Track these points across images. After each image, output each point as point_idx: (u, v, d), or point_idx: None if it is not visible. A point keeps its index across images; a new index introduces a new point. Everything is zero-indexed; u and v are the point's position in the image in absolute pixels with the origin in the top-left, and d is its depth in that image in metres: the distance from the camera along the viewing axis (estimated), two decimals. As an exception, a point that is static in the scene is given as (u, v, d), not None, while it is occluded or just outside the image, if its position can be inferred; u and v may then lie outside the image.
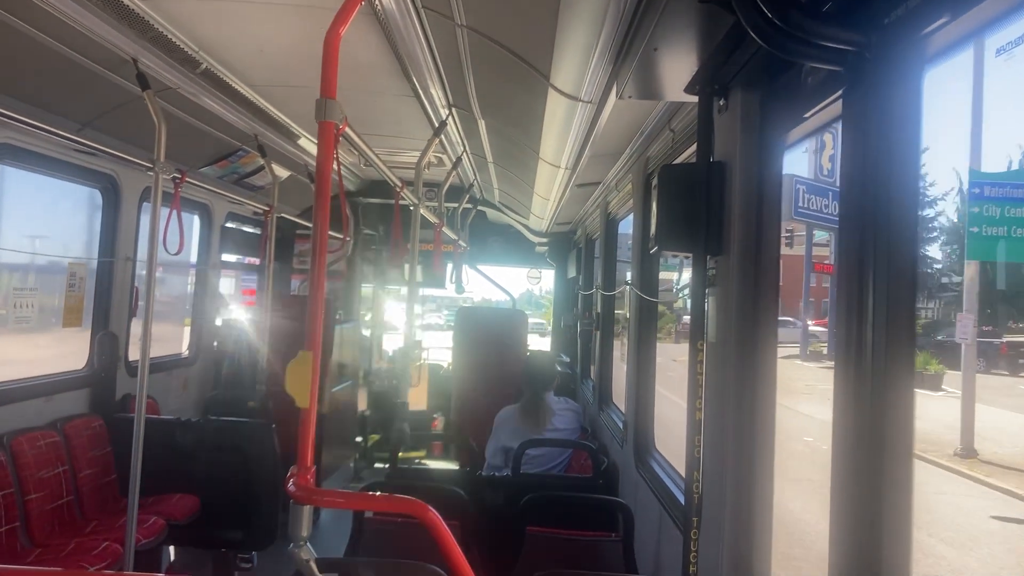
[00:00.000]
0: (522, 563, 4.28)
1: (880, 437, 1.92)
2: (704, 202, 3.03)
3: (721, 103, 3.08)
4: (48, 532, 5.54)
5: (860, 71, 2.02)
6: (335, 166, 2.54)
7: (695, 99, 3.16)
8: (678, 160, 4.21)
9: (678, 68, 3.02)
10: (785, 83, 2.65)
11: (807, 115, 2.52)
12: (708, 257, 3.11)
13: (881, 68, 1.95)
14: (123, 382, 6.93)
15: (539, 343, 17.33)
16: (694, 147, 3.24)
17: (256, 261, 10.05)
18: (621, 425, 6.01)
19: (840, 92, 2.16)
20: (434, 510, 2.37)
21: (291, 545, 2.40)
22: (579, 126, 4.13)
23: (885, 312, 1.93)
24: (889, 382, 1.91)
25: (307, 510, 2.41)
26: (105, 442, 6.44)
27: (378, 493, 4.04)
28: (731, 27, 2.52)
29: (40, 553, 5.22)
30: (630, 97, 3.33)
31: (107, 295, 6.78)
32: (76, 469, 6.03)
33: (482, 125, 6.03)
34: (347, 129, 2.82)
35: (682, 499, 3.67)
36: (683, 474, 3.27)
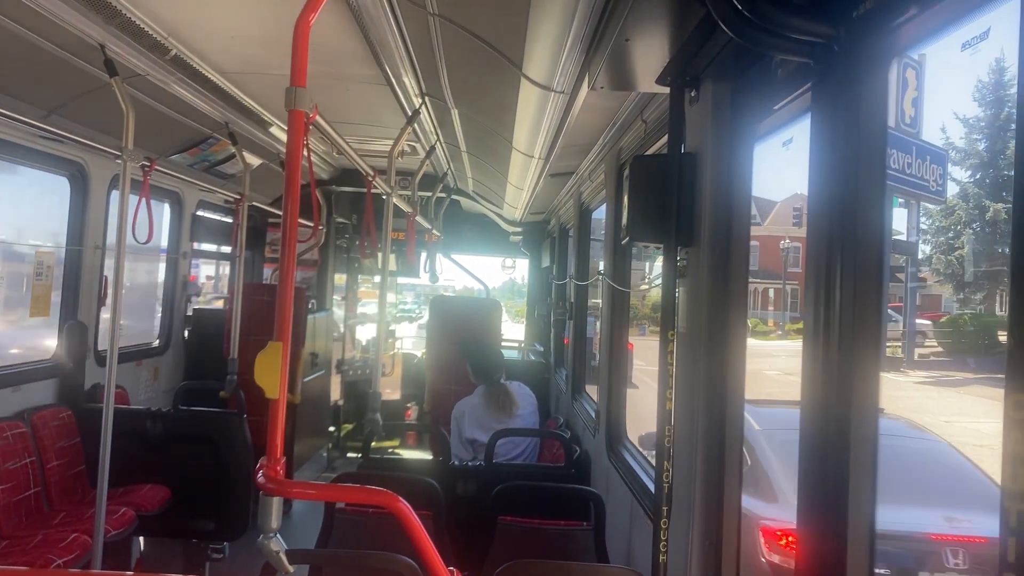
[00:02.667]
0: (494, 553, 4.29)
1: (846, 417, 1.94)
2: (675, 193, 3.05)
3: (692, 94, 3.08)
4: (15, 524, 5.47)
5: (829, 63, 2.03)
6: (305, 153, 2.52)
7: (667, 90, 3.17)
8: (650, 151, 4.22)
9: (650, 59, 3.02)
10: (756, 75, 2.67)
11: (777, 107, 2.54)
12: (679, 248, 3.12)
13: (850, 60, 1.96)
14: (92, 372, 6.85)
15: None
16: (666, 138, 3.25)
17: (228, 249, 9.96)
18: (594, 414, 6.03)
19: (809, 84, 2.18)
20: (405, 501, 2.37)
21: (260, 537, 2.39)
22: (552, 116, 4.12)
23: (852, 301, 1.95)
24: (856, 371, 1.94)
25: (277, 501, 2.40)
26: (74, 433, 6.37)
27: (349, 484, 4.04)
28: (702, 18, 2.53)
29: (7, 545, 5.16)
30: (602, 88, 3.33)
31: (76, 284, 6.69)
32: (44, 460, 5.96)
33: (455, 114, 6.00)
34: (317, 117, 2.79)
35: (653, 488, 3.70)
36: (654, 463, 3.29)
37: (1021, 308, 1.15)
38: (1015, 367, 1.14)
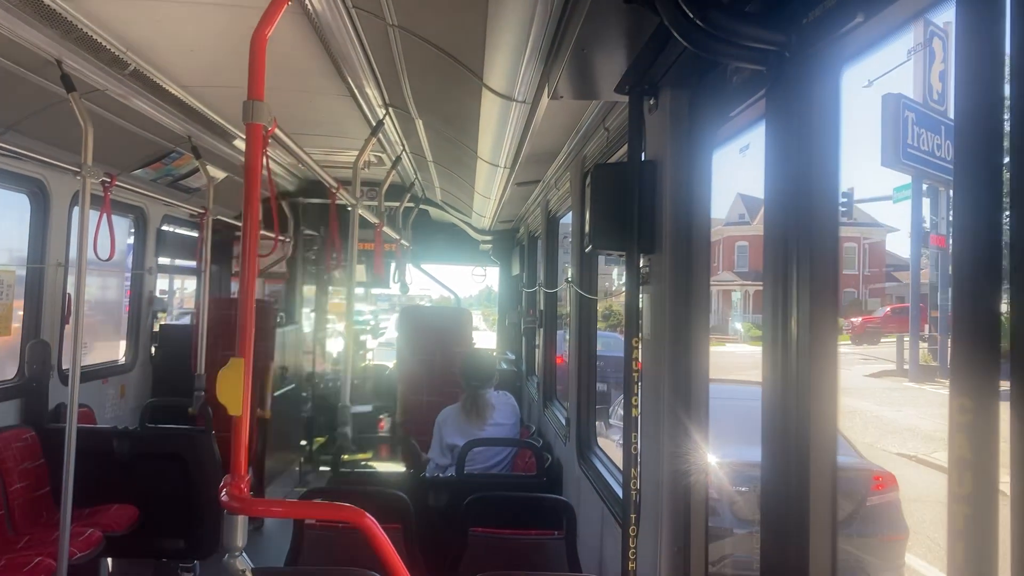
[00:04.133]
0: (465, 565, 4.27)
1: (806, 411, 1.96)
2: (636, 201, 3.06)
3: (651, 102, 3.10)
4: (-22, 548, 5.37)
5: (781, 70, 2.05)
6: (265, 162, 2.51)
7: (627, 98, 3.18)
8: (613, 158, 4.24)
9: (608, 68, 3.04)
10: (712, 82, 2.69)
11: (733, 114, 2.56)
12: (641, 255, 3.13)
13: (801, 67, 1.98)
14: (56, 391, 6.74)
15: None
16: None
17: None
18: (564, 422, 6.03)
19: (763, 91, 2.20)
20: (371, 517, 2.36)
21: (226, 556, 2.37)
22: (515, 126, 4.13)
23: (809, 301, 1.97)
24: (815, 367, 1.96)
25: (242, 520, 2.38)
26: (38, 454, 6.26)
27: (317, 500, 4.00)
28: (656, 27, 2.55)
29: (-31, 570, 5.06)
30: (562, 97, 3.34)
31: (38, 302, 6.59)
32: (7, 483, 5.84)
33: (420, 124, 5.99)
34: (277, 130, 2.78)
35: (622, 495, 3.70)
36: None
37: (963, 314, 1.17)
38: (958, 371, 1.15)
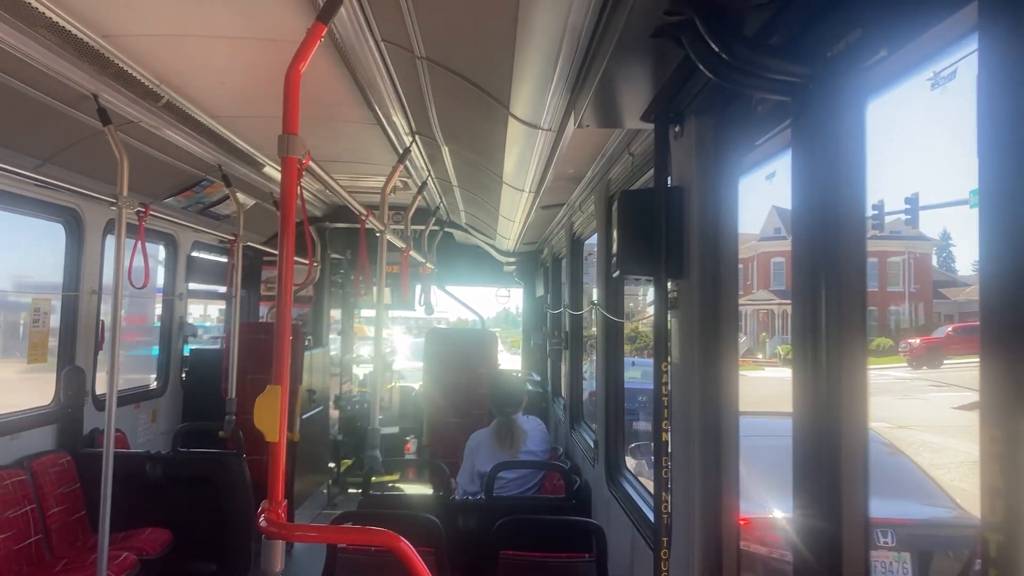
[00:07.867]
0: None
1: (837, 427, 1.99)
2: (663, 226, 3.10)
3: (676, 130, 3.15)
4: (16, 573, 5.45)
5: (806, 101, 2.09)
6: (299, 192, 2.57)
7: (652, 126, 3.23)
8: (638, 183, 4.28)
9: (633, 97, 3.09)
10: (737, 111, 2.73)
11: (758, 142, 2.60)
12: (669, 280, 3.17)
13: (826, 98, 2.02)
14: (91, 417, 6.86)
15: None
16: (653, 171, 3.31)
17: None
18: (592, 444, 6.04)
19: (788, 121, 2.24)
20: (406, 541, 2.40)
21: None
22: (540, 152, 4.18)
23: (838, 325, 2.00)
24: (844, 387, 1.99)
25: (279, 545, 2.43)
26: (73, 478, 6.37)
27: (350, 524, 4.05)
28: (683, 58, 2.59)
29: (9, 595, 5.14)
30: (588, 126, 3.39)
31: (73, 329, 6.71)
32: (44, 507, 5.95)
33: (445, 151, 6.07)
34: (311, 163, 2.85)
35: (653, 518, 3.71)
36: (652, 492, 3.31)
37: (990, 346, 1.20)
38: (988, 402, 1.18)
